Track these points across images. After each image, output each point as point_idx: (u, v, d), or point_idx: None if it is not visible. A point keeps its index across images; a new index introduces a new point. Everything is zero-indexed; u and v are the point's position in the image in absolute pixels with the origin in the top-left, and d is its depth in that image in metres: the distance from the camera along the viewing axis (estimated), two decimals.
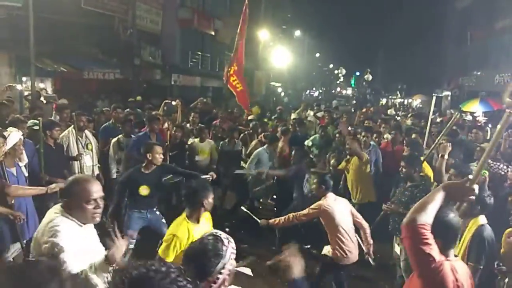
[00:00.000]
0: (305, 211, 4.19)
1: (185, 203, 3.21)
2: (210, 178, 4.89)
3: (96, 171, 6.03)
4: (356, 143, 5.88)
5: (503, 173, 4.72)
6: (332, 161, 6.68)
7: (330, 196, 4.17)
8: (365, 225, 4.26)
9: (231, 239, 1.82)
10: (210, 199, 3.17)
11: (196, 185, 3.26)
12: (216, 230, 1.88)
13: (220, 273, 1.69)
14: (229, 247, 1.75)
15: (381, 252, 5.53)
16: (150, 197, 4.66)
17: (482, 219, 3.16)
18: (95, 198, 2.35)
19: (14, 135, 4.04)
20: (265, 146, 6.66)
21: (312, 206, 4.16)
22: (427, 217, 1.88)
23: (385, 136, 7.65)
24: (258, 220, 4.51)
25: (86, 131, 6.00)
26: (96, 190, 2.37)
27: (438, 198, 1.94)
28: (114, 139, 6.31)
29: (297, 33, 35.34)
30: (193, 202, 3.12)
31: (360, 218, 4.25)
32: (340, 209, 4.11)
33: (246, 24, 10.32)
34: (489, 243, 3.04)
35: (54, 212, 2.34)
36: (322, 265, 4.30)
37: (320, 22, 44.75)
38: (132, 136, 6.33)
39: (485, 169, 4.66)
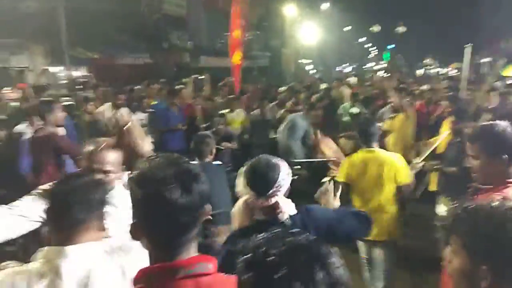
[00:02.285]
0: None
1: None
2: None
3: None
4: (399, 95, 5.76)
5: None
6: (380, 124, 6.53)
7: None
8: None
9: None
10: None
11: None
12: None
13: (283, 180, 1.89)
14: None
15: (422, 211, 5.42)
16: None
17: None
18: (95, 169, 2.09)
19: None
20: (300, 113, 6.52)
21: None
22: None
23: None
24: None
25: (122, 108, 6.15)
26: (100, 160, 2.12)
27: None
28: (134, 116, 6.32)
29: (325, 6, 34.35)
30: None
31: None
32: None
33: None
34: None
35: None
36: None
37: None
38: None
39: None
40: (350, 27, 44.62)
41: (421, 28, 44.11)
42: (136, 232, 1.12)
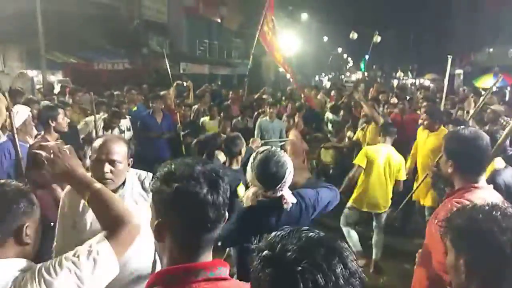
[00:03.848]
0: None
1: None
2: None
3: None
4: (372, 107, 5.88)
5: None
6: (348, 133, 6.63)
7: None
8: None
9: None
10: None
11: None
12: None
13: (289, 175, 2.14)
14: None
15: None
16: None
17: (498, 163, 2.97)
18: (103, 159, 2.03)
19: (23, 111, 4.03)
20: (267, 116, 6.60)
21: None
22: None
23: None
24: None
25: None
26: (108, 150, 2.06)
27: None
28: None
29: (304, 16, 34.91)
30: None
31: None
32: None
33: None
34: (504, 189, 2.82)
35: None
36: None
37: (327, 4, 44.14)
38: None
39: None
40: (327, 38, 45.44)
41: (395, 40, 45.32)
42: (160, 232, 1.12)
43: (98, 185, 1.49)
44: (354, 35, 23.16)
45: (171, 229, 1.12)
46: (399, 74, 29.20)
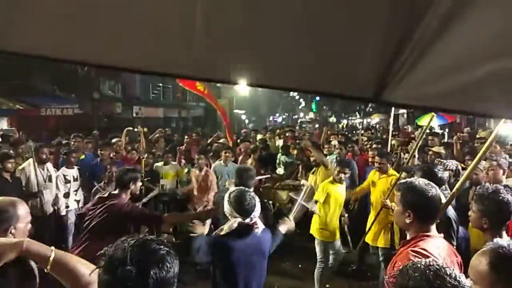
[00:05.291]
0: None
1: None
2: None
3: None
4: (319, 151, 6.02)
5: (454, 168, 4.97)
6: (302, 182, 6.71)
7: None
8: None
9: None
10: None
11: None
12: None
13: (258, 205, 2.74)
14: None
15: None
16: None
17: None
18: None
19: None
20: (221, 160, 6.61)
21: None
22: None
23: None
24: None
25: (47, 164, 5.76)
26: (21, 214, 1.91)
27: None
28: (58, 172, 5.83)
29: None
30: None
31: None
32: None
33: None
34: (456, 222, 2.97)
35: None
36: None
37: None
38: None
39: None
40: None
41: None
42: None
43: (57, 251, 1.45)
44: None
45: None
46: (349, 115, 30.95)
